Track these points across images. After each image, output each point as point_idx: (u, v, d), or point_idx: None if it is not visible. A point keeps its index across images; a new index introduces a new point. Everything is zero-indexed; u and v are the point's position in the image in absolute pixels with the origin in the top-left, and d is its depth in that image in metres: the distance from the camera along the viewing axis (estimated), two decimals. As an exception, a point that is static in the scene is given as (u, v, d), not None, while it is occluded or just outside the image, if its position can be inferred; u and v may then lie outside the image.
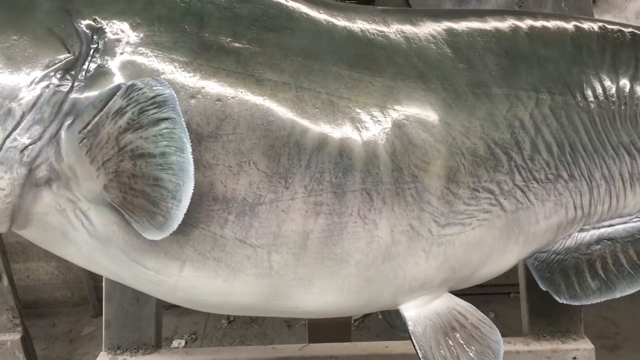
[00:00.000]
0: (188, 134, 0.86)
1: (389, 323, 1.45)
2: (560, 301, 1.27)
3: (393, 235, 1.05)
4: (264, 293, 1.05)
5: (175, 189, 0.87)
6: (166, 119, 0.85)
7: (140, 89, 0.86)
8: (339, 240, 1.02)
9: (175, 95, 0.86)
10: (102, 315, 3.26)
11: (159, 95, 0.85)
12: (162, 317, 1.71)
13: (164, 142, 0.86)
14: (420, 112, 1.04)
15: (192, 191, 0.87)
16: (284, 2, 1.05)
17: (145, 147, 0.87)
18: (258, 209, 0.97)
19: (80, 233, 0.98)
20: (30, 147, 0.90)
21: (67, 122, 0.90)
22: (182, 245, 0.98)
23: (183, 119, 0.86)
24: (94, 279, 3.17)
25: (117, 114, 0.87)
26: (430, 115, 1.04)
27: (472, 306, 1.21)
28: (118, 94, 0.87)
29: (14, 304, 2.62)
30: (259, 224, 0.98)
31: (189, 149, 0.86)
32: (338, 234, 1.02)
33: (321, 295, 1.07)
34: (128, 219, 0.92)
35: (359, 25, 1.08)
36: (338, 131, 0.99)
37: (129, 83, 0.87)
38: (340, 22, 1.07)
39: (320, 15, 1.07)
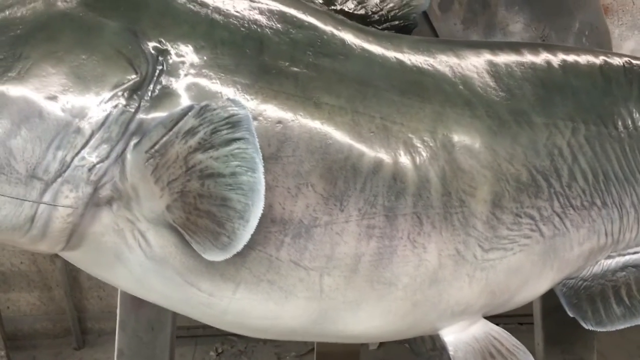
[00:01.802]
0: (261, 155, 0.86)
1: (413, 350, 1.46)
2: (587, 327, 1.30)
3: (440, 259, 1.06)
4: (312, 316, 1.05)
5: (244, 210, 0.87)
6: (239, 139, 0.86)
7: (214, 110, 0.87)
8: (389, 263, 1.03)
9: (249, 115, 0.87)
10: (84, 347, 3.17)
11: (234, 115, 0.86)
12: (175, 347, 1.68)
13: (235, 162, 0.86)
14: (467, 138, 1.07)
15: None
16: (336, 29, 1.08)
17: (215, 167, 0.87)
18: (313, 231, 0.98)
19: (135, 254, 0.96)
20: (97, 166, 0.89)
21: (133, 142, 0.90)
22: (238, 267, 0.97)
23: (257, 139, 0.86)
24: (78, 310, 3.08)
25: (187, 134, 0.87)
26: (477, 141, 1.08)
27: (506, 332, 1.23)
28: (190, 113, 0.88)
29: (0, 335, 2.54)
30: (313, 247, 0.99)
31: (261, 169, 0.87)
32: (388, 257, 1.03)
33: (368, 319, 1.08)
34: (188, 240, 0.91)
35: (407, 53, 1.12)
36: (392, 155, 1.02)
37: (203, 103, 0.88)
38: (389, 49, 1.10)
39: (371, 43, 1.10)
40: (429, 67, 1.11)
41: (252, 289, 0.99)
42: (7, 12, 0.91)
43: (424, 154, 1.04)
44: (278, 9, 1.05)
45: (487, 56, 1.18)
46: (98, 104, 0.89)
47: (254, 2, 1.04)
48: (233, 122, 0.86)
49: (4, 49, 0.88)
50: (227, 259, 0.90)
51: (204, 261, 0.93)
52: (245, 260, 0.97)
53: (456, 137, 1.07)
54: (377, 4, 1.17)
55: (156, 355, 1.61)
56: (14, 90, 0.86)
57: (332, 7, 1.16)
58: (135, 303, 1.58)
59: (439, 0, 1.29)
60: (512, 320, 2.98)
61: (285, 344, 3.00)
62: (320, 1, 1.16)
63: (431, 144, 1.05)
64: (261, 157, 0.87)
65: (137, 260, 0.97)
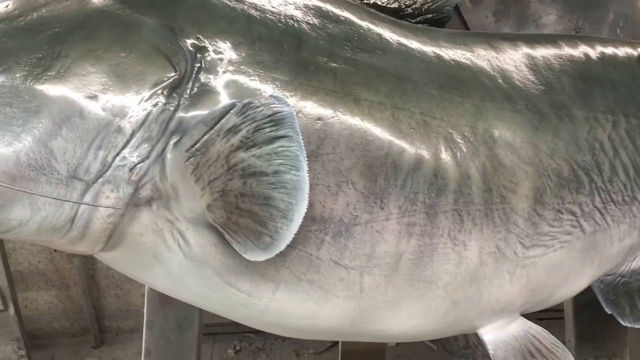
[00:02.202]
0: (305, 152, 0.85)
1: (445, 348, 1.44)
2: (624, 324, 1.28)
3: (481, 256, 1.04)
4: (351, 316, 1.03)
5: (287, 209, 0.85)
6: (282, 136, 0.84)
7: (257, 107, 0.85)
8: (429, 261, 1.01)
9: (294, 113, 0.85)
10: (102, 345, 3.18)
11: (278, 112, 0.84)
12: (201, 345, 1.66)
13: (278, 161, 0.85)
14: (508, 133, 1.05)
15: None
16: (373, 23, 1.06)
17: (257, 165, 0.85)
18: (353, 229, 0.96)
19: (174, 254, 0.95)
20: (138, 165, 0.88)
21: (173, 141, 0.89)
22: (278, 267, 0.96)
23: (301, 137, 0.85)
24: (96, 309, 3.08)
25: (229, 132, 0.86)
26: (518, 136, 1.06)
27: (544, 330, 1.21)
28: (232, 111, 0.86)
29: (20, 334, 2.53)
30: (353, 245, 0.97)
31: (305, 167, 0.85)
32: (429, 255, 1.01)
33: (407, 318, 1.06)
34: (229, 240, 0.90)
35: (444, 47, 1.09)
36: (433, 151, 1.00)
37: (245, 101, 0.86)
38: (426, 43, 1.08)
39: (407, 37, 1.08)
40: (467, 61, 1.09)
41: (292, 289, 0.98)
42: (44, 10, 0.89)
43: (464, 149, 1.02)
44: (314, 3, 1.03)
45: (525, 49, 1.16)
46: (138, 103, 0.87)
47: None
48: (276, 120, 0.84)
49: (43, 47, 0.86)
50: (267, 259, 0.88)
51: (244, 261, 0.92)
52: (285, 260, 0.95)
53: (497, 132, 1.04)
54: None
55: (183, 354, 1.60)
56: (54, 89, 0.85)
57: (365, 1, 1.14)
58: (162, 302, 1.57)
59: (467, -9, 1.27)
60: (541, 314, 2.96)
61: (304, 341, 2.99)
62: None
63: (472, 139, 1.02)
64: (305, 155, 0.85)
65: (175, 260, 0.96)
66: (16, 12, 0.89)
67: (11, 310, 2.49)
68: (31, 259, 3.01)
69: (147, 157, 0.88)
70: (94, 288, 3.07)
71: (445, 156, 1.00)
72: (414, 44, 1.07)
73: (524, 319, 1.20)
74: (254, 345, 3.09)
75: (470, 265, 1.04)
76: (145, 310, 1.62)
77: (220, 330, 3.02)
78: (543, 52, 1.17)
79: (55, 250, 2.93)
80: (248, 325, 1.08)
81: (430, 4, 1.16)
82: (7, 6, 0.90)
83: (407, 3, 1.16)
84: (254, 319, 1.04)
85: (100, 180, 0.87)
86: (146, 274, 1.01)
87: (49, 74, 0.85)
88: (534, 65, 1.14)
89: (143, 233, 0.93)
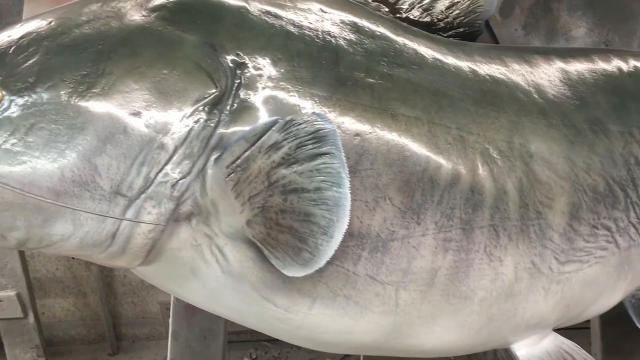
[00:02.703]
0: (347, 170, 0.85)
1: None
2: (656, 339, 1.27)
3: (516, 272, 1.04)
4: (386, 331, 1.03)
5: (328, 225, 0.85)
6: (325, 153, 0.85)
7: (300, 124, 0.85)
8: (465, 277, 1.01)
9: (336, 130, 0.85)
10: (119, 353, 3.18)
11: (320, 130, 0.85)
12: (226, 356, 1.67)
13: (319, 177, 0.85)
14: (544, 148, 1.05)
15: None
16: (408, 38, 1.06)
17: (299, 182, 0.85)
18: (390, 245, 0.96)
19: (212, 269, 0.95)
20: (180, 182, 0.88)
21: (214, 157, 0.89)
22: (315, 282, 0.96)
23: (343, 154, 0.85)
24: (113, 316, 3.09)
25: (271, 148, 0.86)
26: (554, 151, 1.05)
27: (576, 345, 1.20)
28: (274, 128, 0.86)
29: (39, 342, 2.54)
30: (390, 261, 0.97)
31: (347, 184, 0.85)
32: (464, 271, 1.01)
33: (442, 334, 1.05)
34: (267, 255, 0.90)
35: (479, 61, 1.09)
36: (469, 167, 0.99)
37: (288, 118, 0.86)
38: (461, 58, 1.08)
39: (442, 51, 1.08)
40: (502, 76, 1.09)
41: (329, 304, 0.98)
42: (86, 28, 0.90)
43: (501, 165, 1.01)
44: (350, 19, 1.04)
45: (558, 63, 1.15)
46: (180, 119, 0.87)
47: (326, 12, 1.02)
48: (319, 137, 0.84)
49: (87, 65, 0.87)
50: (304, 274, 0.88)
51: (281, 276, 0.92)
52: (322, 276, 0.95)
53: (533, 147, 1.04)
54: (442, 12, 1.15)
55: (208, 365, 1.60)
56: (99, 106, 0.85)
57: (398, 16, 1.14)
58: (188, 312, 1.58)
59: (499, 5, 1.27)
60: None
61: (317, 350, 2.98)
62: (386, 9, 1.14)
63: (508, 155, 1.02)
64: (347, 172, 0.85)
65: (213, 275, 0.96)
66: (59, 29, 0.90)
67: (31, 318, 2.50)
68: (49, 266, 3.03)
69: (189, 173, 0.88)
70: (111, 295, 3.08)
71: (482, 172, 1.00)
72: (449, 59, 1.07)
73: (557, 334, 1.19)
74: (269, 353, 3.09)
75: (506, 281, 1.04)
76: (170, 320, 1.62)
77: (236, 338, 3.02)
78: (577, 67, 1.17)
79: (73, 258, 2.94)
80: (283, 340, 1.08)
81: (463, 18, 1.16)
82: (50, 23, 0.91)
83: (439, 17, 1.16)
84: (290, 333, 1.03)
85: (143, 196, 0.88)
86: (182, 288, 1.02)
87: (93, 91, 0.86)
88: (568, 79, 1.14)
89: (181, 248, 0.94)
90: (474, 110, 1.03)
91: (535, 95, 1.09)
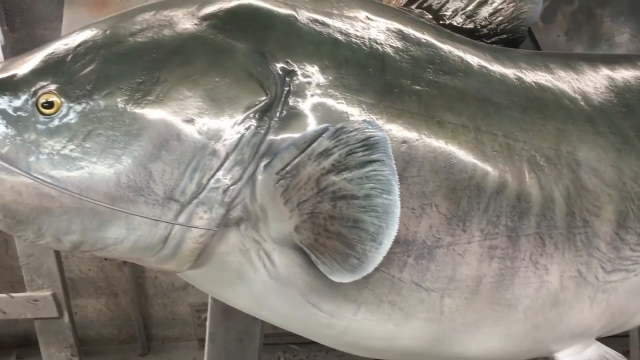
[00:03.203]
0: (397, 177, 0.85)
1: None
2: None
3: (562, 281, 1.03)
4: (430, 338, 1.03)
5: (377, 232, 0.86)
6: (375, 161, 0.85)
7: (350, 131, 0.86)
8: (510, 285, 1.01)
9: (387, 137, 0.86)
10: (149, 353, 3.22)
11: (371, 137, 0.85)
12: (262, 359, 1.68)
13: (369, 184, 0.85)
14: (591, 156, 1.04)
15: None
16: (453, 45, 1.07)
17: (348, 188, 0.86)
18: (435, 252, 0.96)
19: (259, 274, 0.96)
20: (231, 187, 0.89)
21: (264, 163, 0.90)
22: (361, 288, 0.96)
23: (393, 162, 0.85)
24: (144, 317, 3.13)
25: (321, 155, 0.87)
26: (601, 159, 1.05)
27: (620, 354, 1.18)
28: (324, 135, 0.87)
29: (73, 341, 2.58)
30: (435, 268, 0.97)
31: (397, 192, 0.85)
32: (509, 278, 1.01)
33: (486, 342, 1.05)
34: (315, 261, 0.91)
35: (525, 68, 1.09)
36: (516, 174, 0.99)
37: (339, 125, 0.87)
38: (506, 65, 1.08)
39: (488, 59, 1.08)
40: (548, 83, 1.09)
41: (373, 310, 0.98)
42: (141, 36, 0.92)
43: (548, 172, 1.01)
44: (395, 26, 1.04)
45: (604, 70, 1.14)
46: (232, 126, 0.89)
47: (372, 20, 1.03)
48: (369, 144, 0.85)
49: (142, 73, 0.89)
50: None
51: (327, 282, 0.93)
52: (368, 282, 0.95)
53: (580, 155, 1.04)
54: (486, 18, 1.15)
55: (245, 368, 1.62)
56: (154, 113, 0.87)
57: (441, 22, 1.14)
58: (226, 315, 1.59)
59: (541, 11, 1.26)
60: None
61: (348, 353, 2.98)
62: (430, 16, 1.14)
63: (555, 162, 1.02)
64: (397, 180, 0.85)
65: (259, 280, 0.97)
66: (114, 38, 0.92)
67: (66, 317, 2.54)
68: (82, 266, 3.08)
69: (240, 179, 0.90)
70: (142, 296, 3.12)
71: (528, 179, 1.00)
72: (494, 66, 1.07)
73: (600, 343, 1.18)
74: (297, 356, 3.09)
75: (551, 289, 1.03)
76: (207, 323, 1.64)
77: (265, 341, 3.03)
78: (623, 74, 1.15)
79: (105, 259, 2.99)
80: (328, 345, 1.09)
81: (506, 24, 1.16)
82: (105, 31, 0.93)
83: (482, 24, 1.15)
84: (334, 338, 1.04)
85: (195, 201, 0.89)
86: (228, 292, 1.03)
87: (148, 98, 0.88)
88: (614, 86, 1.13)
89: (230, 252, 0.95)
90: (520, 117, 1.03)
91: (582, 103, 1.08)
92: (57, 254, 2.54)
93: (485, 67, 1.06)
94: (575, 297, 1.05)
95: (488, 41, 1.15)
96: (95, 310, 3.18)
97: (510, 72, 1.08)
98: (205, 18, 0.95)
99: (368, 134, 0.85)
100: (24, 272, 2.47)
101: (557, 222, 1.01)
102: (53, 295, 2.46)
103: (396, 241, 0.94)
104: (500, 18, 1.15)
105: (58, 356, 2.60)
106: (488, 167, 0.98)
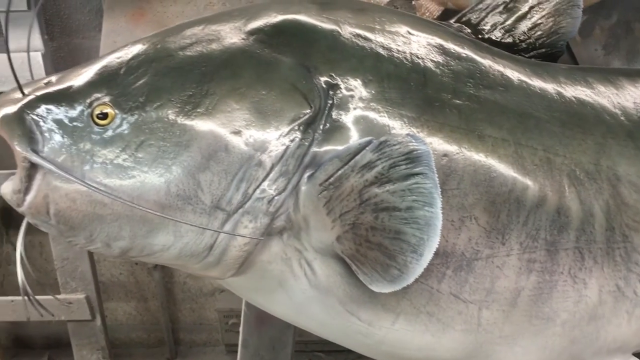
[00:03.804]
0: (440, 190, 0.87)
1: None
2: None
3: (600, 295, 1.03)
4: (467, 349, 1.04)
5: (418, 243, 0.87)
6: (417, 174, 0.87)
7: (394, 145, 0.88)
8: (548, 298, 1.01)
9: (430, 151, 0.87)
10: (177, 357, 3.25)
11: (414, 151, 0.87)
12: (293, 366, 1.70)
13: (411, 197, 0.87)
14: (632, 170, 1.04)
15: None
16: (493, 60, 1.08)
17: (390, 200, 0.88)
18: (474, 264, 0.97)
19: (299, 282, 0.98)
20: (276, 197, 0.92)
21: (307, 174, 0.92)
22: (400, 298, 0.98)
23: (436, 175, 0.87)
24: (172, 321, 3.17)
25: (364, 168, 0.89)
26: None
27: (657, 370, 1.17)
28: (368, 148, 0.89)
29: (105, 344, 2.63)
30: (473, 280, 0.98)
31: (439, 204, 0.87)
32: (548, 292, 1.01)
33: (523, 355, 1.05)
34: (355, 271, 0.92)
35: (564, 83, 1.10)
36: (556, 188, 1.00)
37: (382, 138, 0.89)
38: (546, 80, 1.09)
39: (527, 73, 1.09)
40: (588, 98, 1.09)
41: (411, 320, 0.99)
42: (190, 50, 0.95)
43: (588, 187, 1.01)
44: (436, 41, 1.06)
45: None
46: (277, 138, 0.91)
47: (413, 35, 1.05)
48: (412, 158, 0.87)
49: (192, 85, 0.92)
50: None
51: (367, 291, 0.94)
52: (407, 292, 0.97)
53: (620, 170, 1.04)
54: (524, 32, 1.16)
55: (276, 374, 1.64)
56: (203, 125, 0.90)
57: (480, 37, 1.16)
58: (259, 322, 1.62)
59: (579, 25, 1.26)
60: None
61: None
62: (469, 31, 1.16)
63: (595, 177, 1.02)
64: (440, 193, 0.87)
65: (300, 288, 0.99)
66: (165, 52, 0.96)
67: (98, 320, 2.59)
68: (113, 270, 3.13)
69: (284, 189, 0.92)
70: (170, 301, 3.16)
71: (568, 193, 1.00)
72: (534, 80, 1.08)
73: (637, 359, 1.17)
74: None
75: (590, 304, 1.03)
76: (241, 329, 1.66)
77: (291, 348, 3.05)
78: None
79: (136, 264, 3.04)
80: (364, 355, 1.10)
81: (545, 39, 1.16)
82: (156, 45, 0.97)
83: (521, 38, 1.16)
84: (372, 348, 1.06)
85: (241, 210, 0.92)
86: (268, 299, 1.05)
87: (198, 110, 0.91)
88: None
89: (272, 261, 0.97)
90: (560, 132, 1.03)
91: (622, 118, 1.08)
92: (91, 258, 2.60)
93: (525, 82, 1.07)
94: (613, 312, 1.05)
95: (526, 55, 1.16)
96: (125, 314, 3.23)
97: (549, 86, 1.08)
98: (252, 33, 0.98)
99: (411, 147, 0.87)
100: (58, 275, 2.53)
101: (597, 236, 1.01)
102: (86, 299, 2.52)
103: (435, 253, 0.95)
104: (539, 32, 1.16)
105: (90, 358, 2.65)
106: (528, 181, 0.99)
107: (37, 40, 2.26)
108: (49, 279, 2.87)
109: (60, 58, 2.50)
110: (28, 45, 2.03)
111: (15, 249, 2.93)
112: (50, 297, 1.94)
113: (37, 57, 2.27)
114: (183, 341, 3.23)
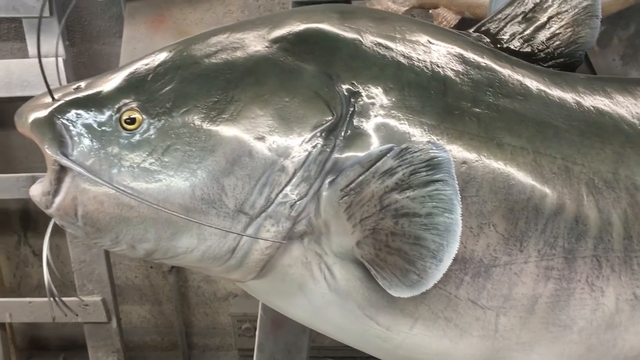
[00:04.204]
0: (460, 197, 0.88)
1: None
2: None
3: (618, 303, 1.04)
4: (484, 355, 1.04)
5: (437, 249, 0.89)
6: (438, 180, 0.88)
7: (415, 152, 0.89)
8: (566, 306, 1.02)
9: (451, 159, 0.89)
10: (190, 362, 3.26)
11: (435, 158, 0.88)
12: (308, 371, 1.71)
13: (431, 203, 0.88)
14: None
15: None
16: (512, 69, 1.09)
17: (411, 206, 0.89)
18: (492, 270, 0.98)
19: (319, 286, 1.00)
20: (298, 202, 0.94)
21: (329, 180, 0.94)
22: (418, 303, 0.99)
23: (457, 182, 0.88)
24: (187, 325, 3.19)
25: (385, 174, 0.90)
26: None
27: (675, 380, 1.17)
28: (389, 155, 0.90)
29: (120, 346, 2.65)
30: (491, 286, 0.99)
31: (459, 211, 0.88)
32: (565, 299, 1.02)
33: None
34: (375, 275, 0.94)
35: (583, 92, 1.11)
36: (574, 197, 1.01)
37: (403, 145, 0.90)
38: (565, 89, 1.10)
39: (546, 82, 1.10)
40: (607, 107, 1.10)
41: (429, 326, 1.00)
42: (216, 58, 0.98)
43: (606, 196, 1.02)
44: (456, 50, 1.07)
45: None
46: (300, 144, 0.93)
47: (433, 44, 1.07)
48: (433, 165, 0.88)
49: (218, 92, 0.94)
50: None
51: (386, 296, 0.95)
52: (425, 297, 0.98)
53: (638, 179, 1.04)
54: (543, 42, 1.17)
55: (292, 379, 1.65)
56: (228, 130, 0.92)
57: (499, 46, 1.17)
58: (275, 326, 1.63)
59: (597, 36, 1.27)
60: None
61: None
62: (487, 40, 1.17)
63: (613, 186, 1.03)
64: (460, 199, 0.88)
65: (319, 292, 1.00)
66: (191, 59, 0.98)
67: (114, 322, 2.62)
68: (128, 273, 3.16)
69: (306, 194, 0.94)
70: (184, 305, 3.18)
71: (586, 202, 1.01)
72: (553, 90, 1.09)
73: (654, 368, 1.18)
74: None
75: (607, 312, 1.04)
76: (257, 332, 1.68)
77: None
78: None
79: (151, 267, 3.07)
80: (381, 359, 1.11)
81: (563, 48, 1.17)
82: (182, 53, 0.99)
83: (540, 47, 1.17)
84: (389, 352, 1.07)
85: (263, 214, 0.94)
86: (287, 303, 1.07)
87: (223, 116, 0.93)
88: None
89: (292, 265, 0.99)
90: (579, 140, 1.04)
91: None
92: (108, 261, 2.63)
93: (544, 91, 1.08)
94: (631, 320, 1.05)
95: (545, 65, 1.17)
96: (140, 317, 3.25)
97: (568, 95, 1.09)
98: (275, 41, 1.00)
99: (432, 154, 0.89)
100: (75, 277, 2.56)
101: (614, 245, 1.02)
102: (103, 301, 2.55)
103: (454, 259, 0.96)
104: (558, 42, 1.17)
105: (105, 360, 2.67)
106: (546, 189, 1.00)
107: (58, 46, 2.30)
108: (65, 281, 2.90)
109: (81, 64, 2.54)
110: (57, 50, 2.07)
111: (33, 253, 2.98)
112: (74, 298, 1.97)
113: (59, 63, 2.31)
114: (196, 345, 3.25)
